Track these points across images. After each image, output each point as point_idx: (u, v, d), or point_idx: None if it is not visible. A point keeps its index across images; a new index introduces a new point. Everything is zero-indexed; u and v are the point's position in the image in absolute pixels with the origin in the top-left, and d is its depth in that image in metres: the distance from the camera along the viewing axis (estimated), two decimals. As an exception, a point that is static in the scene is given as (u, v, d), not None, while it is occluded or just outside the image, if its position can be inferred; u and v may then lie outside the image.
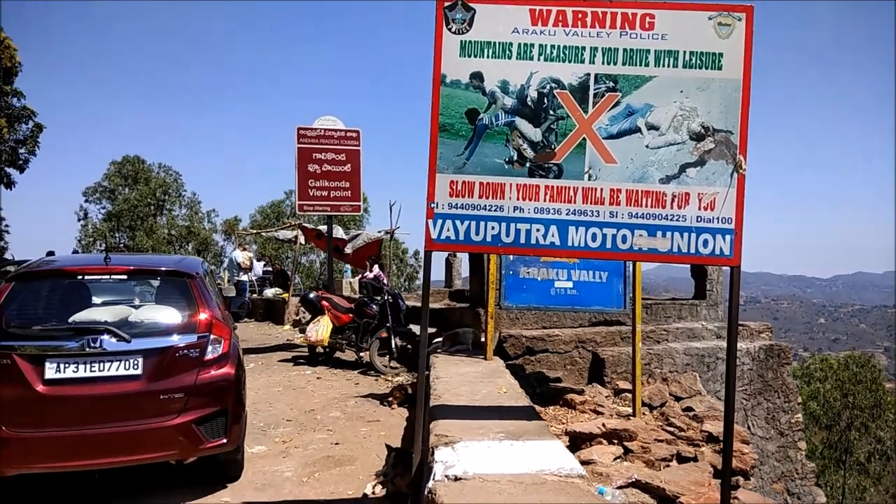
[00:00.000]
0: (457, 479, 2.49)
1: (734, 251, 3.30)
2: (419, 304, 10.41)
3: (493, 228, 3.36)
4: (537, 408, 6.24)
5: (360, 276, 14.59)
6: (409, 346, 8.44)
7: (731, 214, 3.30)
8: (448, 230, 3.37)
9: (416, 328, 9.00)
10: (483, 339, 6.39)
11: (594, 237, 3.35)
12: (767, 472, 8.05)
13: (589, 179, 3.36)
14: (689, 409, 6.56)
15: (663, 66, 3.33)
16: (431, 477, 2.54)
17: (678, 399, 6.83)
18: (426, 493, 2.46)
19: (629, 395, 6.60)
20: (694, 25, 3.32)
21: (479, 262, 7.33)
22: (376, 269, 13.58)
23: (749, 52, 3.30)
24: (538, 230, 3.35)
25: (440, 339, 6.93)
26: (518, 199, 3.36)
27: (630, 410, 6.16)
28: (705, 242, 3.31)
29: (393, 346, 8.31)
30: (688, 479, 4.28)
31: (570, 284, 6.06)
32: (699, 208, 3.31)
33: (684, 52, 3.32)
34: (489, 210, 3.37)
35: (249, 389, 7.10)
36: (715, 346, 7.90)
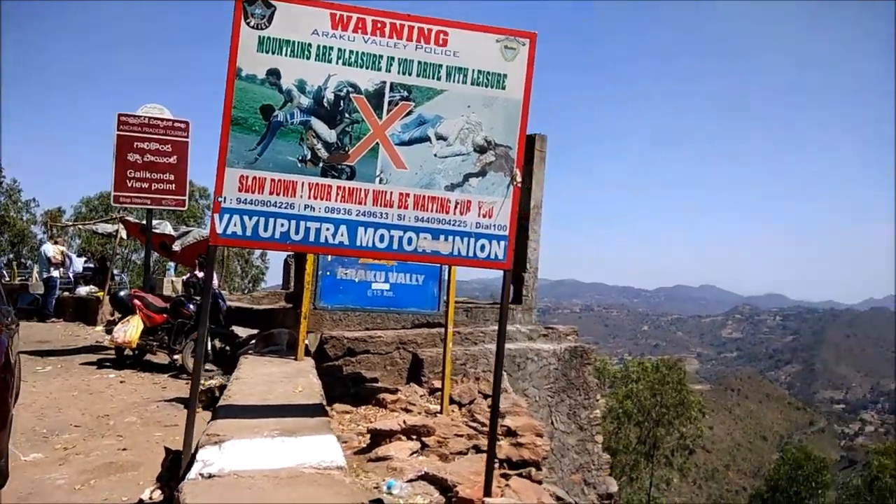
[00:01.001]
0: (210, 476, 2.48)
1: (507, 256, 3.60)
2: (246, 305, 10.08)
3: (282, 225, 3.38)
4: (342, 406, 6.33)
5: (188, 275, 13.81)
6: (227, 347, 8.15)
7: (506, 222, 3.59)
8: (235, 225, 3.34)
9: (239, 330, 8.72)
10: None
11: (382, 238, 3.48)
12: (567, 464, 8.75)
13: (380, 183, 3.49)
14: (496, 406, 6.97)
15: (454, 81, 3.55)
16: (186, 476, 2.51)
17: (486, 396, 7.22)
18: (175, 492, 2.42)
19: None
20: (483, 46, 3.58)
21: (304, 263, 7.28)
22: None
23: (530, 75, 3.61)
24: (328, 229, 3.42)
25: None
26: (309, 197, 3.41)
27: (439, 408, 6.42)
28: (482, 247, 3.57)
29: (209, 347, 7.98)
30: (471, 469, 4.56)
31: (386, 286, 6.21)
32: (479, 215, 3.56)
33: (473, 70, 3.57)
34: (279, 207, 3.38)
35: (40, 394, 6.49)
36: (525, 348, 8.45)
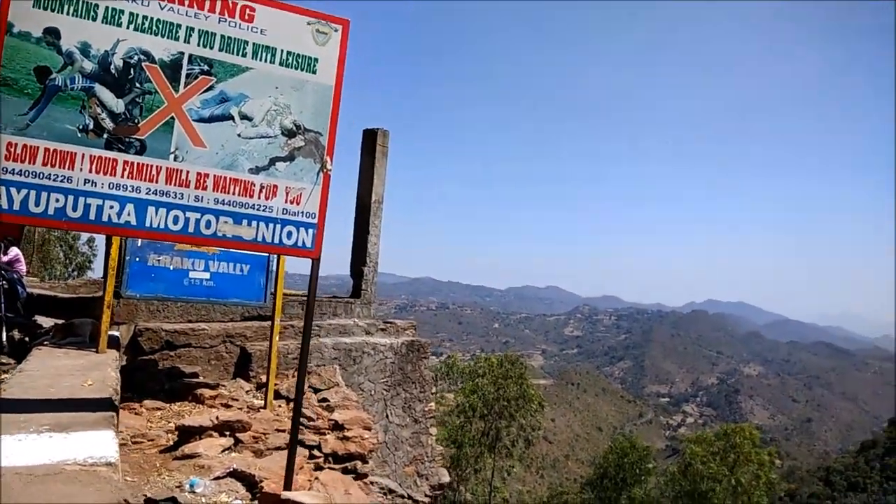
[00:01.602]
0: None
1: (315, 244, 3.53)
2: (56, 294, 9.13)
3: (57, 201, 3.05)
4: (154, 403, 5.95)
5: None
6: (27, 339, 7.30)
7: (315, 210, 3.52)
8: (0, 198, 2.97)
9: (44, 320, 7.85)
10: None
11: (176, 220, 3.27)
12: (401, 456, 8.83)
13: (175, 160, 3.27)
14: (325, 399, 6.86)
15: (260, 59, 3.42)
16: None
17: (317, 391, 7.10)
18: None
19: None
20: (293, 27, 3.48)
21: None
22: (13, 251, 11.52)
23: (342, 62, 3.57)
24: (112, 207, 3.14)
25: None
26: (91, 171, 3.11)
27: (264, 403, 6.21)
28: (289, 234, 3.47)
29: (3, 339, 7.10)
30: (282, 464, 4.42)
31: (207, 275, 5.89)
32: (286, 201, 3.46)
33: (282, 51, 3.45)
34: (54, 180, 3.05)
35: None
36: (362, 342, 8.42)
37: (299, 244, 3.49)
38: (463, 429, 28.62)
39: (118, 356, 5.44)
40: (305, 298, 8.50)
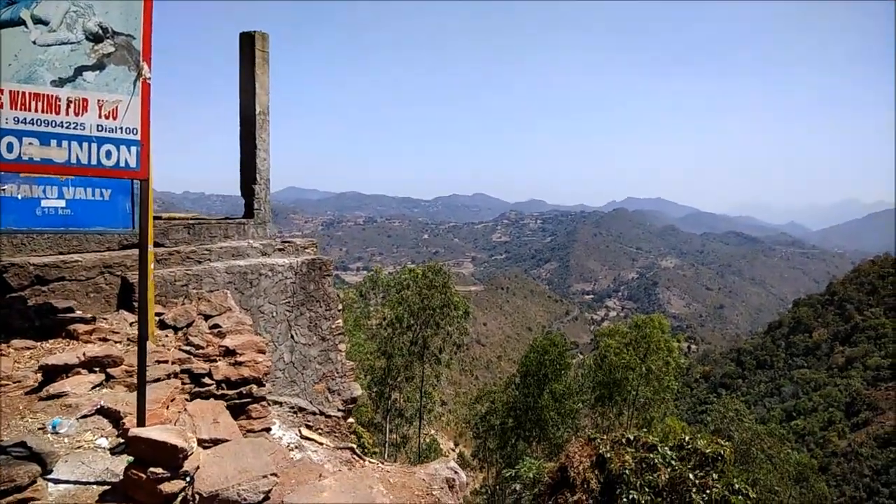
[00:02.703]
0: None
1: (141, 164, 3.21)
2: None
3: None
4: (22, 342, 5.60)
5: None
6: None
7: (137, 125, 3.18)
8: None
9: None
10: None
11: (-31, 144, 2.87)
12: (310, 374, 8.83)
13: (-42, 75, 2.83)
14: (217, 325, 6.65)
15: (49, -50, 2.94)
16: None
17: (207, 317, 6.87)
18: None
19: (157, 319, 6.43)
20: None
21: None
22: None
23: (153, -45, 3.12)
24: None
25: None
26: None
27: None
28: (108, 154, 3.14)
29: None
30: (154, 396, 4.26)
31: (62, 203, 5.36)
32: (100, 116, 3.09)
33: (76, -61, 2.98)
34: None
35: None
36: (258, 263, 8.15)
37: (122, 164, 3.17)
38: (391, 340, 29.17)
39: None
40: (192, 222, 8.10)
